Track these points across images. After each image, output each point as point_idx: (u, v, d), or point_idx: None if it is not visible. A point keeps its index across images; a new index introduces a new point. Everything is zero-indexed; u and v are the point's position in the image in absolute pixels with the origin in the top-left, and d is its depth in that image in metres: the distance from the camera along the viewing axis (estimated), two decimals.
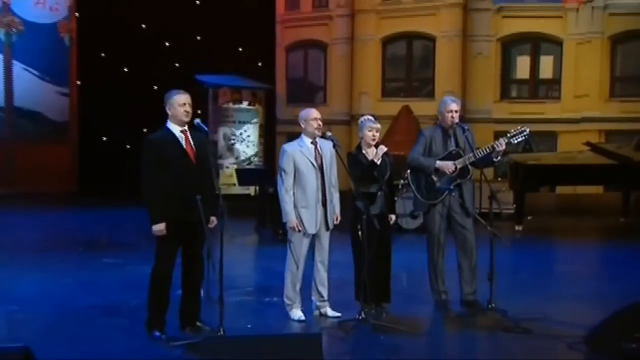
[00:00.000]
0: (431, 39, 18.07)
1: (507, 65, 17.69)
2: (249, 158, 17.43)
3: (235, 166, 16.51)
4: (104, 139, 18.21)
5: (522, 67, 17.68)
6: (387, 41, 18.54)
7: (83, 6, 18.64)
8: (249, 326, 6.28)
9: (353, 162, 6.64)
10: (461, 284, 6.79)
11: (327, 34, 19.11)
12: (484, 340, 6.14)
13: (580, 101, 16.98)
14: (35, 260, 9.82)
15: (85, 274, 8.85)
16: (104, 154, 17.73)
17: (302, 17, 19.40)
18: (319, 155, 6.41)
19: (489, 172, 14.20)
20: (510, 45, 17.66)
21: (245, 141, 18.01)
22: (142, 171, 5.70)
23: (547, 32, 17.32)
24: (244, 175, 13.28)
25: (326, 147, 6.46)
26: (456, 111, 6.77)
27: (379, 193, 6.60)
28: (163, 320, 5.80)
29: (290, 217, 6.35)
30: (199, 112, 17.48)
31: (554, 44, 17.35)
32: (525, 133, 6.77)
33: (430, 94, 17.62)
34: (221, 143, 17.74)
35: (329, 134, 6.50)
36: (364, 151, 6.67)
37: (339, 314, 6.48)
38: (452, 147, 6.78)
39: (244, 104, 18.12)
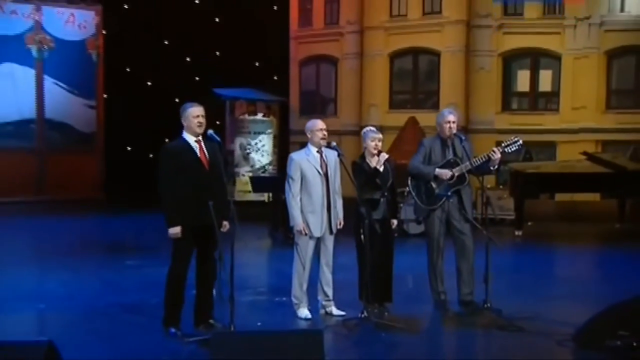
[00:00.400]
0: (436, 54, 18.08)
1: (508, 79, 17.68)
2: (264, 166, 17.46)
3: (250, 174, 16.52)
4: (129, 148, 18.28)
5: (523, 80, 17.66)
6: (394, 56, 18.57)
7: (109, 24, 18.77)
8: (259, 324, 6.32)
9: (357, 170, 6.67)
10: (459, 285, 6.80)
11: (337, 49, 19.16)
12: (480, 337, 6.16)
13: (578, 113, 16.93)
14: (63, 261, 9.86)
15: (109, 275, 8.92)
16: (128, 162, 17.76)
17: (315, 34, 19.46)
18: (324, 164, 6.46)
19: (491, 179, 14.40)
20: (511, 60, 17.66)
21: (260, 151, 18.02)
22: (159, 178, 5.77)
23: (546, 47, 17.30)
24: (258, 182, 13.29)
25: (331, 156, 6.51)
26: (453, 122, 6.79)
27: (382, 199, 6.64)
28: (178, 318, 5.85)
29: (297, 221, 6.40)
30: (217, 123, 17.68)
31: (553, 59, 17.33)
32: (518, 143, 6.77)
33: (435, 106, 17.62)
34: (237, 152, 17.77)
35: (333, 143, 6.53)
36: (367, 160, 6.70)
37: (343, 313, 6.50)
38: (450, 156, 6.80)
39: (259, 116, 18.14)
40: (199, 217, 5.64)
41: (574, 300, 7.43)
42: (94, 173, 18.79)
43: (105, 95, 19.08)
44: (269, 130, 18.24)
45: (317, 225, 6.41)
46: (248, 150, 17.83)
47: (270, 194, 12.75)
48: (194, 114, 5.82)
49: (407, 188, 11.24)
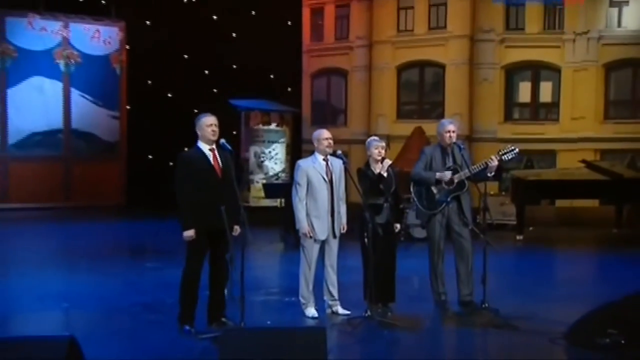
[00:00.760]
0: (441, 67, 18.08)
1: (510, 90, 17.66)
2: (277, 174, 17.49)
3: (264, 181, 16.56)
4: (150, 156, 18.34)
5: (524, 91, 17.63)
6: (401, 68, 18.59)
7: (132, 40, 18.90)
8: (269, 322, 6.37)
9: (362, 176, 6.71)
10: (459, 286, 6.82)
11: (347, 62, 19.21)
12: (477, 336, 6.18)
13: (577, 123, 16.88)
14: (88, 263, 9.97)
15: (130, 276, 8.99)
16: (149, 170, 17.81)
17: (326, 48, 19.52)
18: (329, 171, 6.51)
19: (494, 186, 14.38)
20: (512, 72, 17.63)
21: (274, 159, 18.06)
22: (175, 183, 5.85)
23: (547, 60, 17.26)
24: (271, 189, 13.31)
25: (336, 163, 6.56)
26: (453, 131, 6.84)
27: (385, 204, 6.66)
28: (192, 316, 5.91)
29: (302, 224, 6.46)
30: (234, 133, 17.78)
31: (553, 71, 17.28)
32: (515, 151, 6.79)
33: (441, 116, 17.56)
34: (252, 160, 17.82)
35: (338, 152, 6.58)
36: (371, 167, 6.74)
37: (348, 312, 6.54)
38: (450, 163, 6.84)
39: (273, 126, 18.19)
40: (211, 221, 5.69)
41: (569, 301, 7.41)
42: (117, 180, 18.86)
43: (128, 107, 19.16)
44: (282, 140, 18.30)
45: (322, 229, 6.46)
46: (262, 159, 17.88)
47: (283, 200, 12.79)
48: (208, 123, 5.89)
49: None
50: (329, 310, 6.64)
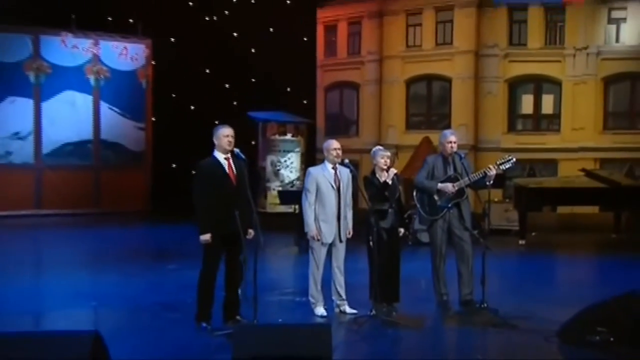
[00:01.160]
0: (447, 80, 18.11)
1: (513, 103, 17.63)
2: (292, 181, 17.46)
3: (280, 188, 16.61)
4: (173, 165, 18.44)
5: (527, 104, 17.59)
6: (410, 82, 18.63)
7: (158, 56, 19.05)
8: (280, 320, 6.43)
9: (368, 183, 6.78)
10: (460, 287, 6.87)
11: (359, 76, 19.28)
12: (476, 334, 6.20)
13: (578, 133, 16.82)
14: (114, 265, 10.04)
15: (153, 277, 9.07)
16: (173, 178, 17.88)
17: (338, 62, 19.62)
18: (337, 179, 6.57)
19: (498, 193, 14.36)
20: (516, 86, 17.62)
21: (289, 167, 18.08)
22: (193, 190, 5.95)
23: (548, 74, 17.23)
24: (286, 195, 13.26)
25: (344, 172, 6.63)
26: (454, 142, 6.90)
27: (390, 210, 6.72)
28: (209, 314, 5.99)
29: (311, 228, 6.53)
30: (252, 143, 17.90)
31: (554, 84, 17.25)
32: (512, 160, 6.84)
33: (447, 127, 17.45)
34: (269, 169, 17.87)
35: (346, 161, 6.63)
36: (377, 175, 6.80)
37: (355, 311, 6.59)
38: (451, 172, 6.89)
39: (288, 136, 18.24)
40: (226, 225, 5.76)
41: (566, 302, 7.34)
42: (142, 187, 18.91)
43: (153, 118, 19.25)
44: (297, 149, 18.34)
45: (329, 232, 6.53)
46: (278, 167, 17.93)
47: (297, 206, 12.82)
48: (225, 133, 5.99)
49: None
50: (337, 310, 6.70)
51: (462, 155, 6.92)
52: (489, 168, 6.72)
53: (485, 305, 6.61)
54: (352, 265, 6.86)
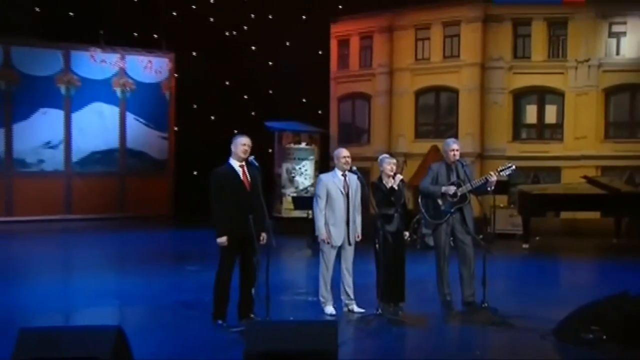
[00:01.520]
0: (455, 92, 18.05)
1: (518, 113, 17.53)
2: (306, 188, 17.54)
3: (294, 194, 16.69)
4: (195, 173, 18.61)
5: (531, 114, 17.47)
6: (419, 93, 18.59)
7: (181, 69, 19.28)
8: (291, 318, 6.47)
9: (375, 189, 6.86)
10: (462, 288, 6.90)
11: (370, 87, 19.29)
12: (477, 332, 6.24)
13: (580, 142, 16.70)
14: (138, 267, 10.19)
15: (173, 278, 9.21)
16: (194, 185, 18.01)
17: (351, 75, 19.64)
18: (346, 185, 6.65)
19: (503, 199, 14.34)
20: (520, 96, 17.52)
21: (304, 174, 18.13)
22: (210, 196, 6.06)
23: (551, 85, 17.11)
24: (300, 201, 13.31)
25: (353, 179, 6.70)
26: (457, 150, 6.95)
27: (395, 214, 6.76)
28: (225, 312, 6.07)
29: (321, 231, 6.61)
30: (269, 151, 18.03)
31: (557, 95, 17.13)
32: (512, 168, 6.89)
33: (455, 136, 17.47)
34: (284, 176, 17.95)
35: (354, 168, 6.69)
36: (384, 181, 6.87)
37: (363, 310, 6.64)
38: (454, 178, 6.94)
39: (303, 145, 18.30)
40: (241, 229, 5.85)
41: (565, 302, 7.24)
42: (165, 193, 19.12)
43: (176, 128, 19.46)
44: (311, 157, 18.40)
45: (338, 235, 6.60)
46: (293, 174, 18.00)
47: (311, 211, 12.86)
48: (242, 142, 6.09)
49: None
50: (345, 309, 6.75)
51: (465, 163, 6.98)
52: (490, 174, 6.77)
53: (486, 304, 6.64)
54: (361, 267, 6.92)
